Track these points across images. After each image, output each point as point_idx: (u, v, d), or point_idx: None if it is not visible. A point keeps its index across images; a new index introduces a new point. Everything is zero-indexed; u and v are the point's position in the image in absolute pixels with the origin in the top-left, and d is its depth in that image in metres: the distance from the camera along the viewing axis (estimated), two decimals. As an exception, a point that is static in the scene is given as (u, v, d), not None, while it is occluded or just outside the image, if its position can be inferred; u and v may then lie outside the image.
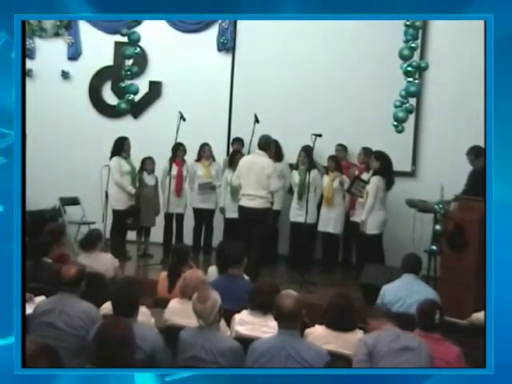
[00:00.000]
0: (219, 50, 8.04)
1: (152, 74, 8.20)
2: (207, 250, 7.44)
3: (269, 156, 6.24)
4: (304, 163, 6.97)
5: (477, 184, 5.24)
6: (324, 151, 7.14)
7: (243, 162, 6.28)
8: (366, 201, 6.27)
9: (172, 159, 7.09)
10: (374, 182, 6.23)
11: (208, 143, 7.35)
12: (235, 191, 6.67)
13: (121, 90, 7.02)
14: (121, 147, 7.12)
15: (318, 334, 3.40)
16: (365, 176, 6.64)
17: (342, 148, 7.32)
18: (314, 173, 6.63)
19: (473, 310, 4.17)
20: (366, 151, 6.94)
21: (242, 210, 6.19)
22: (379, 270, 5.56)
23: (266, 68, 7.79)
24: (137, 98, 7.25)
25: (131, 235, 7.41)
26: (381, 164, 6.29)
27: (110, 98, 8.31)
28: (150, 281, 5.61)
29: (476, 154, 5.50)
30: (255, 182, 6.05)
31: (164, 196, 7.14)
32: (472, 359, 3.27)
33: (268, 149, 6.25)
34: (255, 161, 6.13)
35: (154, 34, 7.80)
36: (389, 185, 6.30)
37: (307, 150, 6.88)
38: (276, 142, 7.17)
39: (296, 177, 7.03)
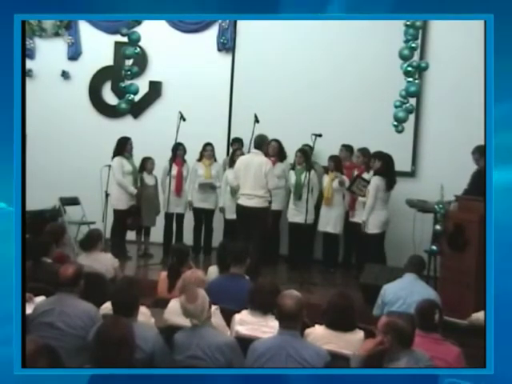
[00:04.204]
0: (219, 49, 8.04)
1: (152, 74, 8.19)
2: (207, 250, 7.44)
3: (265, 155, 6.29)
4: (300, 163, 6.97)
5: (480, 185, 5.24)
6: (324, 151, 7.14)
7: (240, 161, 6.31)
8: (366, 201, 6.27)
9: (172, 159, 7.09)
10: (375, 182, 6.22)
11: (211, 143, 7.35)
12: (234, 192, 6.68)
13: (121, 90, 7.02)
14: (123, 147, 7.12)
15: (318, 333, 3.40)
16: (366, 176, 6.62)
17: (346, 148, 7.29)
18: (311, 173, 6.62)
19: (473, 310, 4.17)
20: (364, 152, 6.94)
21: (240, 208, 6.21)
22: (379, 270, 5.56)
23: (266, 68, 7.79)
24: (137, 98, 7.24)
25: (131, 235, 7.41)
26: (382, 164, 6.28)
27: (110, 98, 8.31)
28: (150, 281, 5.61)
29: (481, 153, 5.49)
30: (253, 181, 6.07)
31: (164, 196, 7.14)
32: (472, 359, 3.27)
33: (264, 148, 6.31)
34: (252, 160, 6.17)
35: (154, 33, 7.80)
36: (390, 185, 6.28)
37: (303, 151, 6.89)
38: (278, 142, 7.20)
39: (292, 177, 7.03)
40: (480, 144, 5.53)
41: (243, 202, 6.15)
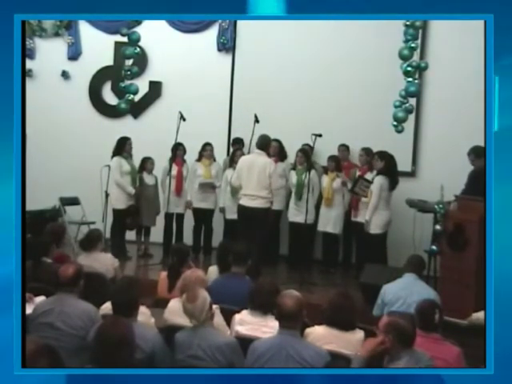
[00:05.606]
0: (219, 50, 8.04)
1: (152, 73, 8.19)
2: (207, 250, 7.44)
3: (268, 155, 6.28)
4: (301, 163, 6.97)
5: (476, 184, 5.25)
6: (324, 151, 7.14)
7: (242, 161, 6.29)
8: (369, 200, 6.26)
9: (172, 159, 7.09)
10: (379, 182, 6.20)
11: (210, 143, 7.34)
12: (235, 192, 6.68)
13: (121, 90, 7.02)
14: (122, 147, 7.12)
15: (318, 333, 3.40)
16: (368, 176, 6.61)
17: (344, 148, 7.30)
18: (311, 173, 6.62)
19: (473, 310, 4.17)
20: (367, 151, 6.93)
21: (241, 209, 6.20)
22: (379, 270, 5.55)
23: (266, 68, 7.78)
24: (137, 98, 7.24)
25: (131, 235, 7.41)
26: (385, 164, 6.28)
27: (110, 98, 8.31)
28: (150, 281, 5.61)
29: (476, 154, 5.51)
30: (256, 181, 6.06)
31: (164, 196, 7.15)
32: (472, 359, 3.27)
33: (267, 148, 6.29)
34: (255, 161, 6.15)
35: (154, 33, 7.81)
36: (393, 184, 6.28)
37: (304, 151, 6.89)
38: (279, 142, 7.20)
39: (293, 177, 7.03)
40: (475, 145, 5.56)
41: (245, 202, 6.14)
